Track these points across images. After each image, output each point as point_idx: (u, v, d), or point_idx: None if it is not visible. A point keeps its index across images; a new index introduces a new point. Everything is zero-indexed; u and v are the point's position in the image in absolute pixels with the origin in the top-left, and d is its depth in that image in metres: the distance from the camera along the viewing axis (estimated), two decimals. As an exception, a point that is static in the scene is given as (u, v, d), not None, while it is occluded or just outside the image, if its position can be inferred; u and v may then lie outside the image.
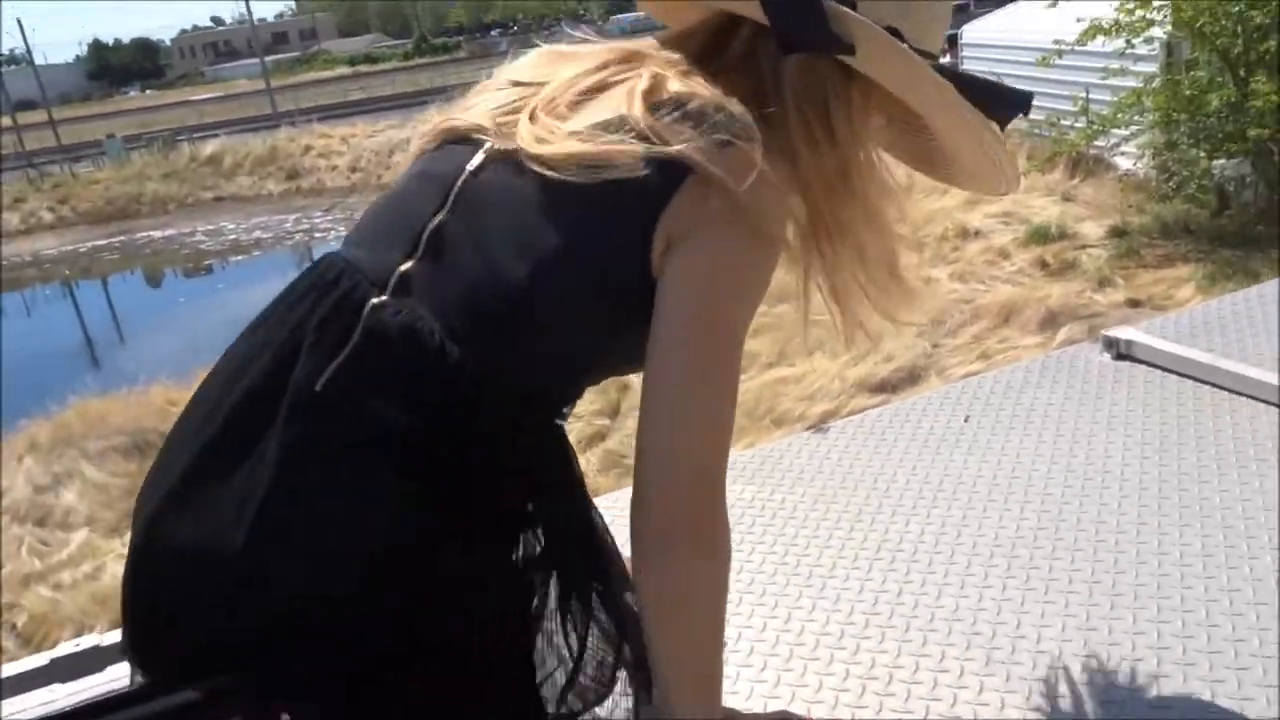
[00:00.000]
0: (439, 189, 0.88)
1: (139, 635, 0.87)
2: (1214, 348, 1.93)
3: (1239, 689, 1.16)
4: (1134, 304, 6.91)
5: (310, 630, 0.80)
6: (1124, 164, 8.37)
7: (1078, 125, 8.02)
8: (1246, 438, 1.66)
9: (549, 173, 0.82)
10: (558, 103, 0.87)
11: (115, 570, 5.50)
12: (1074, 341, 3.57)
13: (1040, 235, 7.90)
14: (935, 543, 1.51)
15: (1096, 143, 8.12)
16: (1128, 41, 7.12)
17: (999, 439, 1.78)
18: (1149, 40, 7.20)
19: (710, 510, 0.84)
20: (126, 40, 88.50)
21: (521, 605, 0.90)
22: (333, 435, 0.81)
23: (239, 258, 16.97)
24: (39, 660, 1.43)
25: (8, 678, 1.40)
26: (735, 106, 0.82)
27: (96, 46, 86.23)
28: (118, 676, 1.36)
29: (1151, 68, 7.49)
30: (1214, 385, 1.82)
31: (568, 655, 0.93)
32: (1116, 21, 7.11)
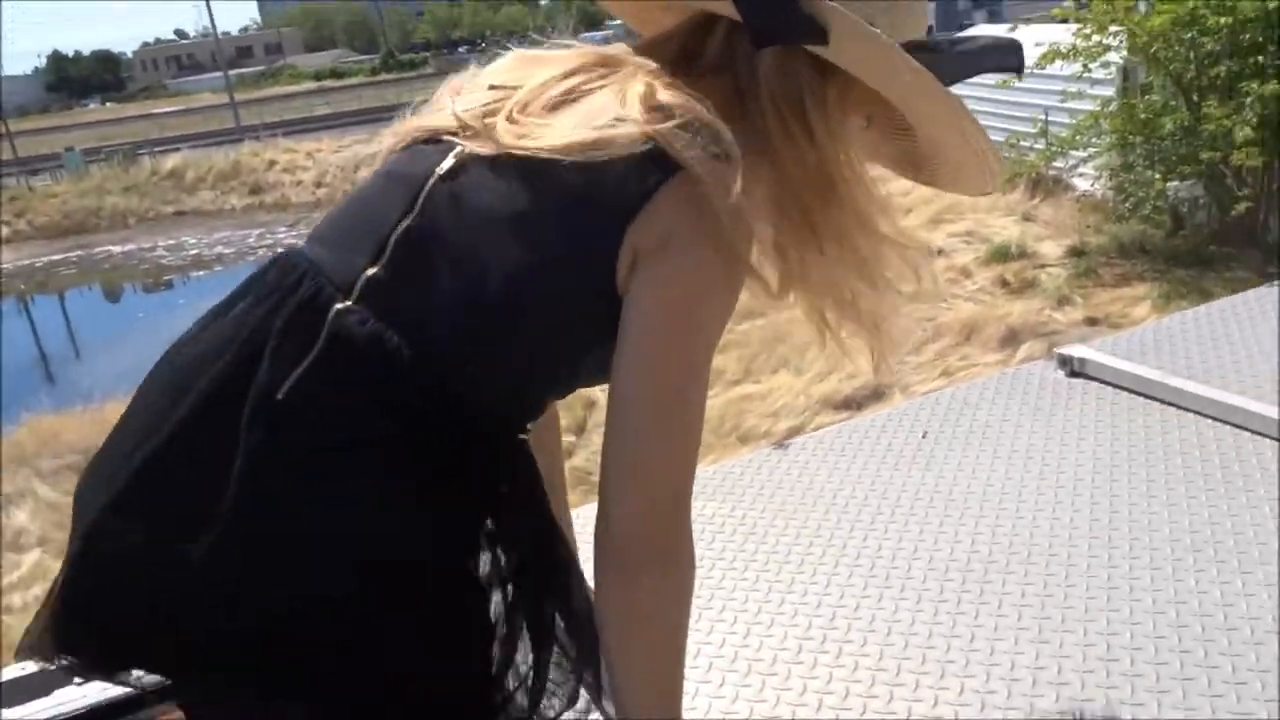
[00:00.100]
0: (407, 191, 0.86)
1: (73, 640, 0.86)
2: (1164, 365, 1.98)
3: (1184, 699, 1.18)
4: (1092, 322, 7.02)
5: (304, 634, 0.80)
6: (1082, 185, 8.52)
7: (1037, 147, 8.15)
8: (1194, 453, 1.70)
9: (530, 170, 0.81)
10: (534, 105, 0.86)
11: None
12: (1033, 359, 3.63)
13: (1001, 254, 8.02)
14: (892, 557, 1.53)
15: (1055, 164, 8.26)
16: (1085, 66, 7.26)
17: (955, 455, 1.81)
18: (1106, 65, 7.35)
19: (674, 533, 0.84)
20: (87, 52, 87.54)
21: (484, 620, 0.90)
22: (297, 442, 0.80)
23: (201, 273, 16.77)
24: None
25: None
26: (720, 125, 0.81)
27: (56, 58, 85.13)
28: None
29: (1108, 91, 7.64)
30: (1163, 402, 1.86)
31: (527, 672, 0.93)
32: (1074, 46, 7.25)
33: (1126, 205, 7.70)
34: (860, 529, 1.62)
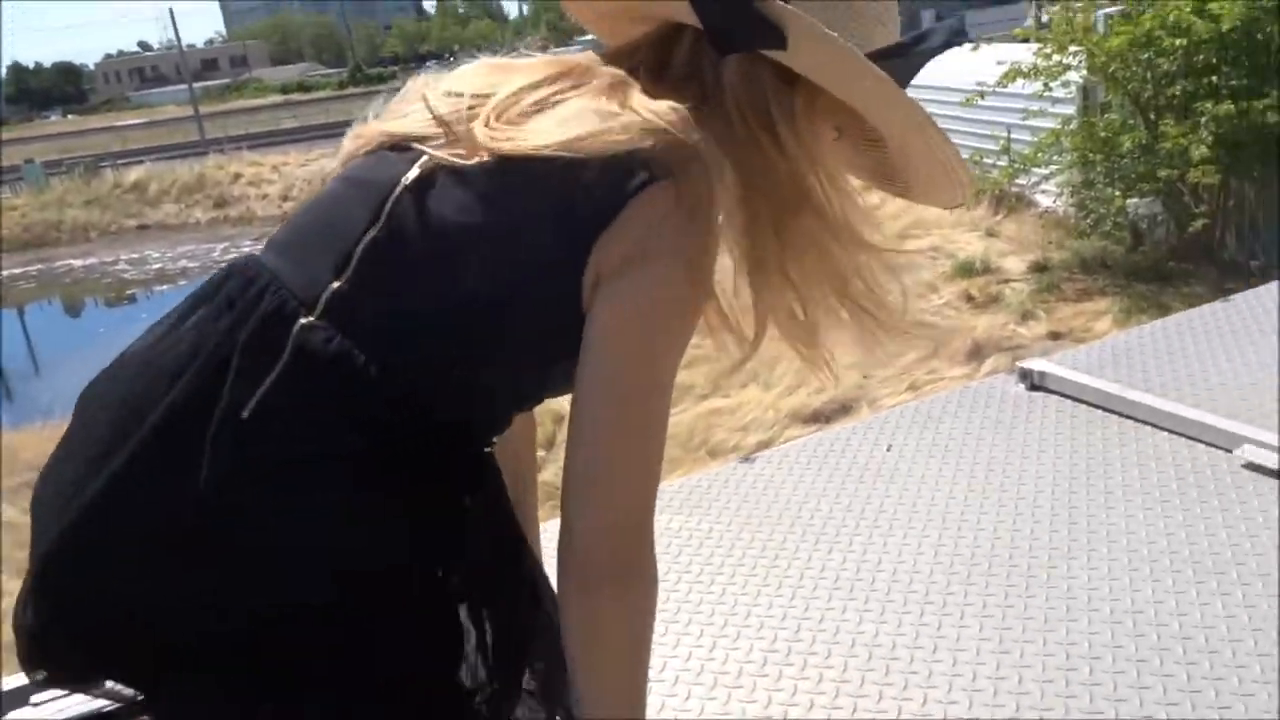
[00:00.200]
0: (372, 200, 0.85)
1: (42, 655, 0.86)
2: (1121, 379, 2.01)
3: (1140, 707, 1.21)
4: (1055, 336, 7.12)
5: (295, 637, 0.80)
6: (1044, 201, 8.66)
7: (1000, 164, 8.27)
8: (1151, 465, 1.73)
9: (497, 180, 0.81)
10: (511, 112, 0.85)
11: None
12: (999, 373, 3.68)
13: (966, 270, 8.12)
14: (857, 570, 1.55)
15: (1018, 181, 8.39)
16: (1046, 85, 7.39)
17: (919, 468, 1.83)
18: (1066, 84, 7.49)
19: (635, 548, 0.84)
20: (48, 64, 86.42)
21: (453, 633, 0.91)
22: (264, 456, 0.80)
23: (164, 287, 16.56)
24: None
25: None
26: (694, 135, 0.80)
27: (16, 70, 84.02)
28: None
29: (1069, 110, 7.78)
30: (1121, 415, 1.90)
31: (488, 684, 0.93)
32: (1035, 65, 7.38)
33: (1088, 221, 7.84)
34: (825, 541, 1.63)
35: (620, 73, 0.87)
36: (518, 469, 1.09)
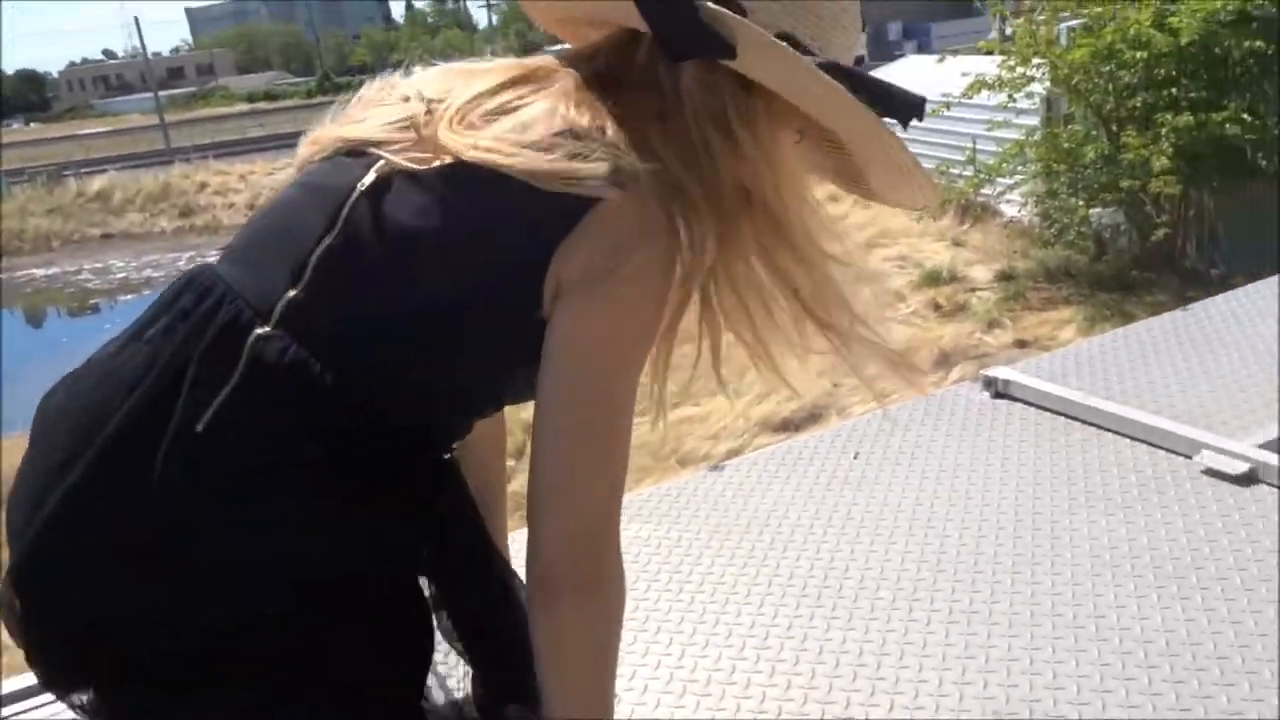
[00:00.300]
0: (328, 206, 0.84)
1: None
2: (1084, 386, 2.04)
3: (1103, 710, 1.22)
4: (1021, 344, 7.21)
5: (251, 649, 0.80)
6: (1009, 211, 8.78)
7: (966, 174, 8.39)
8: (1112, 472, 1.75)
9: (454, 186, 0.81)
10: (472, 116, 0.85)
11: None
12: (965, 380, 3.72)
13: (933, 278, 8.21)
14: (824, 577, 1.56)
15: (984, 191, 8.51)
16: (1010, 96, 7.51)
17: (885, 475, 1.84)
18: (1029, 95, 7.61)
19: (598, 557, 0.84)
20: (10, 72, 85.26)
21: (417, 639, 0.90)
22: (220, 468, 0.79)
23: (128, 297, 16.35)
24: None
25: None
26: (632, 157, 0.81)
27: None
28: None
29: (1032, 121, 7.90)
30: (1084, 422, 1.92)
31: (455, 691, 0.93)
32: (999, 77, 7.50)
33: (1052, 231, 7.96)
34: (793, 549, 1.64)
35: (579, 77, 0.87)
36: (486, 477, 1.09)
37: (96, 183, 21.88)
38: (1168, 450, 1.78)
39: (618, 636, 0.88)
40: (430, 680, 0.94)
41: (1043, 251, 8.07)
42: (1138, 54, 6.73)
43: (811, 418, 6.62)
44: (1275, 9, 6.53)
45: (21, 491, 0.85)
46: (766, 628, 1.45)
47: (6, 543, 0.85)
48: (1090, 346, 2.32)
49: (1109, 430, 1.88)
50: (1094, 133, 7.38)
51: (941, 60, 8.37)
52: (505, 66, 0.91)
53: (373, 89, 0.93)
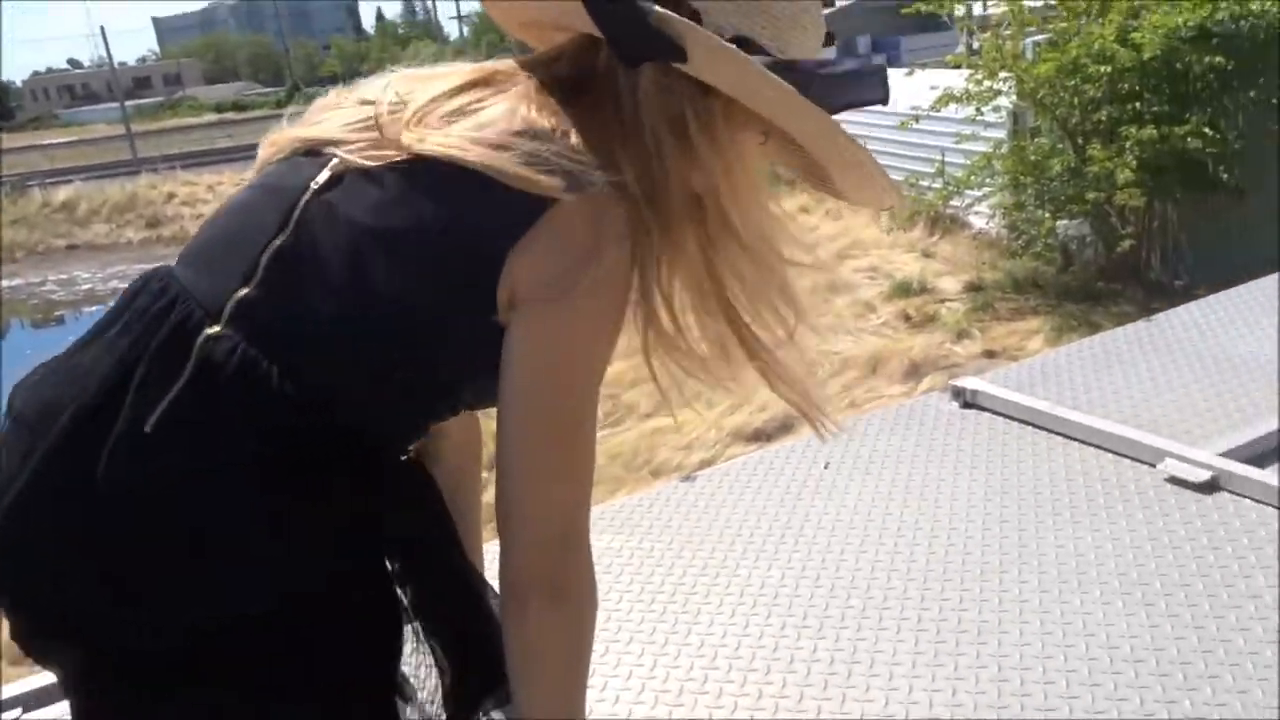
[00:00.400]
0: (281, 206, 0.84)
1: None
2: (1050, 396, 2.07)
3: (1070, 713, 1.24)
4: (990, 355, 7.28)
5: (230, 649, 0.80)
6: (978, 223, 8.86)
7: (935, 186, 8.46)
8: (1078, 479, 1.78)
9: (410, 184, 0.81)
10: (431, 118, 0.84)
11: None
12: (935, 390, 3.75)
13: (903, 290, 8.26)
14: (795, 586, 1.57)
15: (952, 203, 8.58)
16: (978, 109, 7.58)
17: (855, 484, 1.86)
18: (997, 109, 7.69)
19: (565, 567, 0.84)
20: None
21: (395, 642, 0.90)
22: (169, 467, 0.79)
23: (93, 308, 16.13)
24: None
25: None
26: (589, 159, 0.80)
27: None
28: None
29: (1000, 134, 7.98)
30: (1050, 431, 1.95)
31: (419, 692, 0.93)
32: (967, 90, 7.57)
33: (1019, 242, 8.04)
34: (764, 559, 1.65)
35: (539, 81, 0.86)
36: (462, 485, 1.09)
37: (62, 193, 21.59)
38: (1132, 459, 1.81)
39: (590, 641, 0.88)
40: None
41: (1011, 263, 8.15)
42: (1102, 69, 6.82)
43: (783, 428, 6.63)
44: (1234, 26, 6.66)
45: None
46: (738, 637, 1.46)
47: None
48: (1057, 357, 2.35)
49: (1075, 439, 1.91)
50: (1060, 146, 7.47)
51: (910, 74, 8.44)
52: (465, 70, 0.90)
53: (336, 93, 0.94)
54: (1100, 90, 7.01)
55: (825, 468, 1.94)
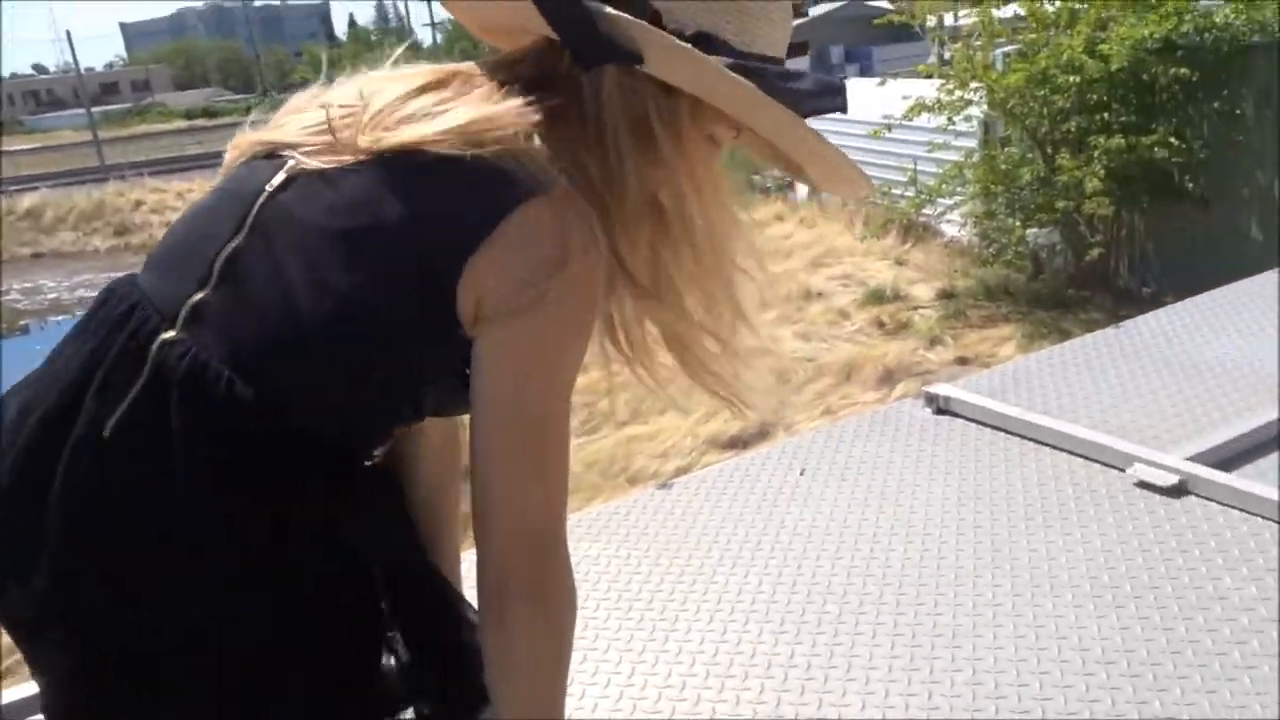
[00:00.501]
0: (238, 210, 0.84)
1: None
2: (1021, 402, 2.09)
3: (1044, 715, 1.25)
4: (963, 361, 7.34)
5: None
6: (950, 231, 8.95)
7: (907, 194, 8.54)
8: (1049, 484, 1.80)
9: (366, 185, 0.81)
10: (390, 119, 0.84)
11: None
12: (908, 397, 3.78)
13: (877, 297, 8.33)
14: (772, 592, 1.57)
15: (925, 211, 8.66)
16: (949, 119, 7.66)
17: (830, 491, 1.87)
18: (968, 118, 7.78)
19: (539, 574, 0.85)
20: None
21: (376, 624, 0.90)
22: (127, 471, 0.80)
23: (59, 317, 15.93)
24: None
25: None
26: (550, 160, 0.80)
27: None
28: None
29: (971, 143, 8.07)
30: (1021, 437, 1.97)
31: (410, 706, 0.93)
32: (939, 100, 7.66)
33: (990, 250, 8.12)
34: (741, 565, 1.66)
35: (501, 82, 0.86)
36: (439, 493, 1.09)
37: (26, 200, 21.29)
38: (1102, 464, 1.84)
39: (569, 644, 0.88)
40: None
41: (982, 270, 8.23)
42: (1071, 79, 6.92)
43: (760, 435, 6.66)
44: (1199, 39, 6.77)
45: None
46: (715, 644, 1.46)
47: None
48: (1028, 363, 2.38)
49: (1046, 444, 1.93)
50: (1029, 155, 7.56)
51: (883, 83, 8.52)
52: (425, 72, 0.90)
53: (299, 98, 0.93)
54: (1069, 100, 7.11)
55: (801, 474, 1.95)
